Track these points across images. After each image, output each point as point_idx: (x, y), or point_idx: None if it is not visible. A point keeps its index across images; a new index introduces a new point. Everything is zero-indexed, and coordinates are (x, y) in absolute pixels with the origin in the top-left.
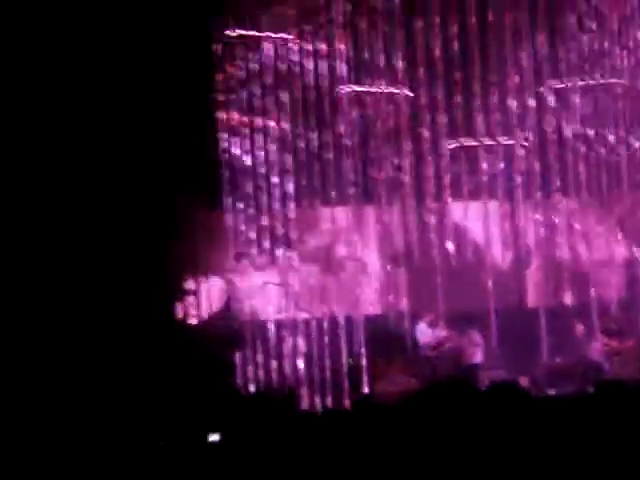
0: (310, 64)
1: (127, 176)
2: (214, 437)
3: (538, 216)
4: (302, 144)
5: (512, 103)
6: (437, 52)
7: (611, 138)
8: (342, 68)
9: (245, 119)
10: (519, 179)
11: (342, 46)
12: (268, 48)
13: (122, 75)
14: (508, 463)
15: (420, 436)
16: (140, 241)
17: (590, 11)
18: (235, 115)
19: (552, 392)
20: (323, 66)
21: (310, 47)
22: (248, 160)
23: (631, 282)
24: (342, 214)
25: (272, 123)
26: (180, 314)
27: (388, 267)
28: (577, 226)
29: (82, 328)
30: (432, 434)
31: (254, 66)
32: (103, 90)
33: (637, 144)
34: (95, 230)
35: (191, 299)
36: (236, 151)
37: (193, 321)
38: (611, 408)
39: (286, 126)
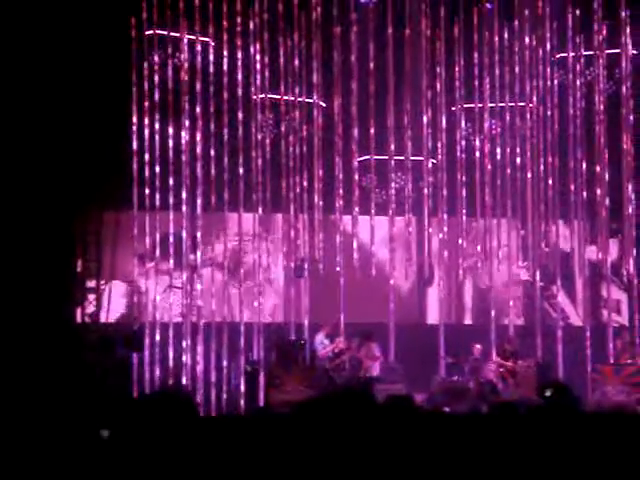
0: (226, 68)
1: (34, 175)
2: (104, 433)
3: (443, 234)
4: (214, 148)
5: (424, 121)
6: (354, 64)
7: (519, 160)
8: (257, 75)
9: (157, 121)
10: (426, 196)
11: (258, 54)
12: (185, 50)
13: (36, 72)
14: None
15: (312, 445)
16: (43, 243)
17: (503, 37)
18: (148, 117)
19: (447, 410)
20: (239, 72)
21: (226, 52)
22: (157, 164)
23: (529, 305)
24: (250, 221)
25: (185, 125)
26: (80, 315)
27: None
28: (480, 246)
29: None
30: (324, 444)
31: (171, 67)
32: (15, 86)
33: (542, 169)
34: None
35: (92, 300)
36: (146, 154)
37: (93, 322)
38: (503, 428)
39: (198, 129)
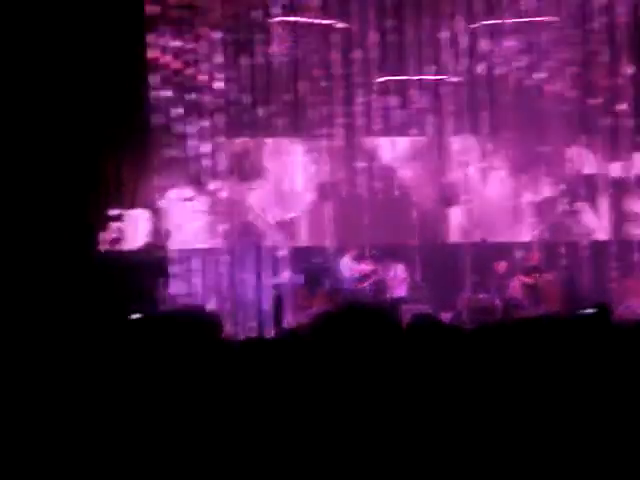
0: None
1: (54, 104)
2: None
3: (466, 154)
4: (232, 73)
5: (444, 39)
6: None
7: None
8: None
9: (174, 44)
10: (447, 117)
11: None
12: None
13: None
14: (429, 398)
15: (338, 365)
16: (65, 169)
17: None
18: (163, 42)
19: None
20: None
21: None
22: (176, 91)
23: (551, 221)
24: (271, 145)
25: (203, 49)
26: (104, 243)
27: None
28: (501, 165)
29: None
30: (349, 363)
31: None
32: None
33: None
34: (17, 159)
35: (115, 228)
36: (165, 84)
37: (117, 249)
38: (530, 342)
39: (216, 55)
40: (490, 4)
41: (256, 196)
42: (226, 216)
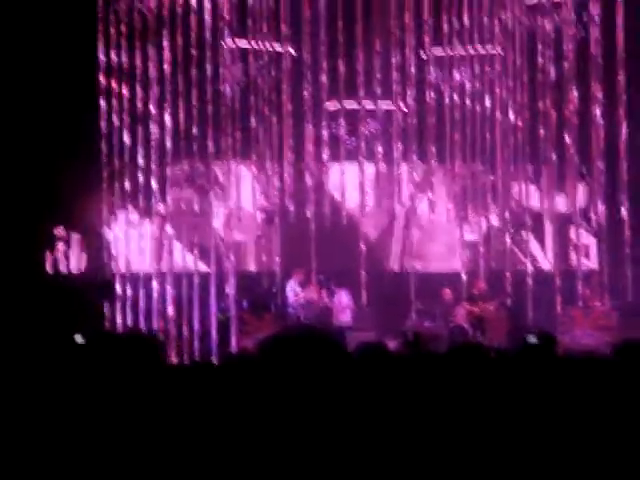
0: (194, 16)
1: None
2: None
3: (414, 180)
4: (182, 97)
5: (395, 68)
6: (322, 11)
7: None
8: (226, 21)
9: (126, 69)
10: (396, 143)
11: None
12: None
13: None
14: (372, 421)
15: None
16: (14, 191)
17: None
18: (116, 65)
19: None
20: (208, 18)
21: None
22: (126, 113)
23: (496, 252)
24: (220, 169)
25: (152, 74)
26: (50, 264)
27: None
28: (447, 193)
29: None
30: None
31: (138, 14)
32: None
33: (512, 116)
34: None
35: (62, 249)
36: (115, 103)
37: (63, 271)
38: (473, 370)
39: (167, 78)
40: (440, 34)
41: (207, 220)
42: (175, 239)
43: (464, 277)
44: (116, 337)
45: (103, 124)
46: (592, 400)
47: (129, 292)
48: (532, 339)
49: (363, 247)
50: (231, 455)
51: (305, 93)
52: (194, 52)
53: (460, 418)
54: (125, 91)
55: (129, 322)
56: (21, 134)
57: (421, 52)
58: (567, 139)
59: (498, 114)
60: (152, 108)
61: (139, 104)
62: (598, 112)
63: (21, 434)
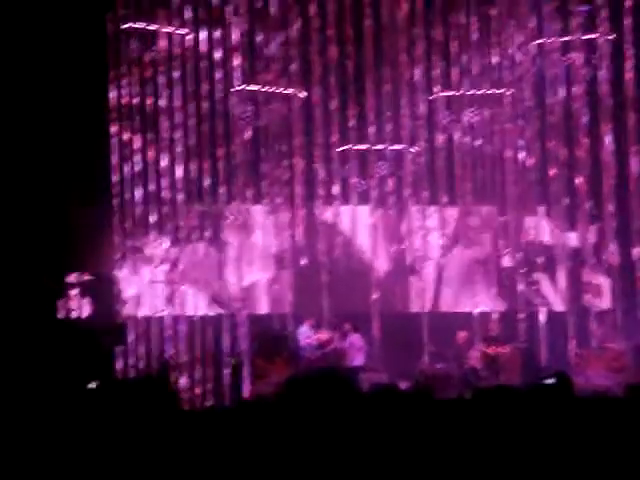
0: (205, 61)
1: (11, 172)
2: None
3: (425, 222)
4: (193, 140)
5: (404, 110)
6: (332, 55)
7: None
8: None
9: (136, 111)
10: (407, 186)
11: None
12: (163, 43)
13: (10, 71)
14: (387, 464)
15: (296, 434)
16: (23, 237)
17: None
18: (126, 111)
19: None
20: (218, 63)
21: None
22: (137, 158)
23: (510, 292)
24: (231, 212)
25: (163, 118)
26: (62, 309)
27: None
28: (461, 234)
29: None
30: (308, 432)
31: (149, 59)
32: None
33: (522, 156)
34: None
35: (74, 294)
36: (125, 150)
37: (75, 316)
38: (487, 414)
39: (178, 121)
40: (448, 76)
41: (216, 263)
42: (187, 284)
43: (477, 318)
44: (129, 384)
45: (114, 171)
46: (606, 439)
47: (141, 336)
48: (549, 380)
49: (375, 289)
50: None
51: (315, 136)
52: (204, 95)
53: (471, 459)
54: (136, 138)
55: (141, 366)
56: (32, 178)
57: (431, 95)
58: (577, 180)
59: (508, 155)
60: (163, 152)
61: (150, 150)
62: (608, 152)
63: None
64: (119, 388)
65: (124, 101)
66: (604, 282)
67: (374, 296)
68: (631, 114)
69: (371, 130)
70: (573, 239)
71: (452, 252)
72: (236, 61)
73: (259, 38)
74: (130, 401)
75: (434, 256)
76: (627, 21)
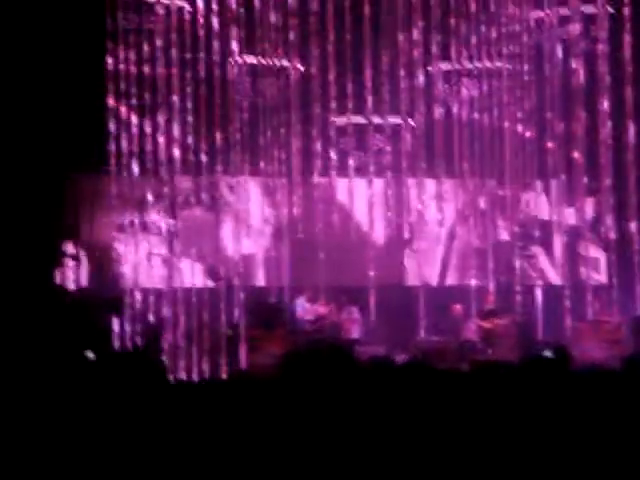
0: (202, 31)
1: (6, 142)
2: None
3: (423, 196)
4: (190, 114)
5: (402, 82)
6: (330, 27)
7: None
8: (234, 38)
9: (134, 86)
10: (405, 158)
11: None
12: (161, 14)
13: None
14: (383, 436)
15: (295, 406)
16: (20, 205)
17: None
18: (124, 82)
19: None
20: (216, 35)
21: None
22: (134, 128)
23: (507, 266)
24: (228, 185)
25: (160, 92)
26: (59, 279)
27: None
28: (460, 208)
29: None
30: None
31: (146, 31)
32: None
33: (520, 129)
34: None
35: (71, 264)
36: (123, 118)
37: (71, 286)
38: (484, 386)
39: (174, 95)
40: (447, 49)
41: (213, 235)
42: (183, 255)
43: (473, 291)
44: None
45: (111, 142)
46: (603, 411)
47: (138, 307)
48: (547, 353)
49: (372, 262)
50: (245, 470)
51: (313, 108)
52: (202, 67)
53: (468, 431)
54: (133, 108)
55: (137, 338)
56: (29, 150)
57: (429, 67)
58: (576, 154)
59: (506, 128)
60: (160, 124)
61: (147, 121)
62: (607, 126)
63: (30, 446)
64: (112, 360)
65: (121, 71)
66: (601, 255)
67: (370, 269)
68: (629, 88)
69: (369, 103)
70: (570, 213)
71: (449, 225)
72: (234, 31)
73: (257, 6)
74: (120, 374)
75: (431, 229)
76: None
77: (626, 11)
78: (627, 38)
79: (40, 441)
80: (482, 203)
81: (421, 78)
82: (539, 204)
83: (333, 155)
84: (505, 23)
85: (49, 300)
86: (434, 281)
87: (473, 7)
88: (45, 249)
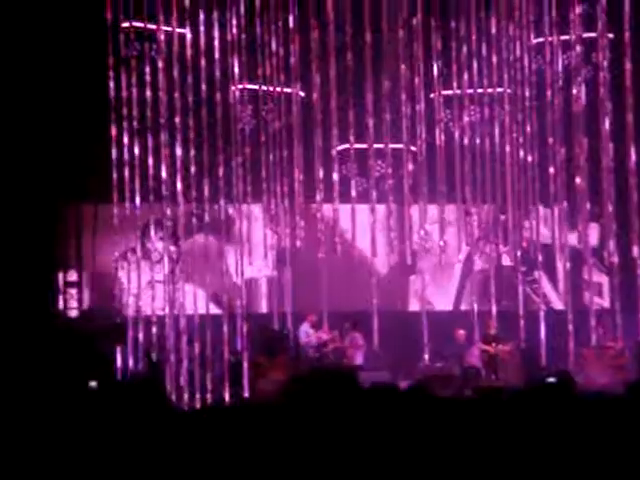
0: (204, 60)
1: (11, 169)
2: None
3: (425, 221)
4: (192, 140)
5: (403, 109)
6: (331, 54)
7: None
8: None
9: (136, 113)
10: (407, 184)
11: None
12: (163, 42)
13: (11, 67)
14: (387, 462)
15: (299, 432)
16: (24, 233)
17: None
18: (126, 110)
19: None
20: (217, 62)
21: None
22: (137, 156)
23: (509, 291)
24: (231, 212)
25: (163, 119)
26: (61, 307)
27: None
28: (461, 233)
29: None
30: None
31: (149, 59)
32: None
33: (522, 154)
34: None
35: (73, 292)
36: (126, 147)
37: (74, 313)
38: (488, 412)
39: (177, 121)
40: (448, 75)
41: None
42: (187, 282)
43: (477, 316)
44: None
45: (114, 169)
46: (608, 438)
47: (140, 335)
48: (551, 379)
49: (375, 288)
50: None
51: (315, 134)
52: (204, 94)
53: (472, 458)
54: (135, 135)
55: (140, 366)
56: (31, 178)
57: (431, 94)
58: (578, 179)
59: (508, 153)
60: (162, 152)
61: (149, 148)
62: (609, 151)
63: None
64: (115, 389)
65: (123, 98)
66: (604, 281)
67: (374, 295)
68: (630, 114)
69: (370, 129)
70: (573, 238)
71: (452, 251)
72: (235, 58)
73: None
74: (124, 403)
75: (434, 255)
76: (627, 20)
77: (626, 36)
78: (628, 63)
79: (42, 471)
80: (484, 228)
81: (422, 104)
82: (541, 228)
83: (335, 181)
84: (506, 48)
85: (51, 329)
86: (438, 306)
87: (474, 33)
88: (47, 277)
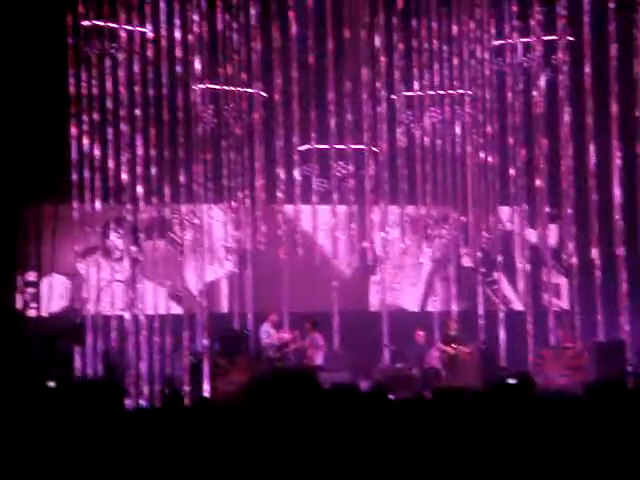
0: (166, 59)
1: None
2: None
3: (386, 222)
4: (154, 140)
5: (365, 109)
6: (293, 54)
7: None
8: (197, 64)
9: (96, 114)
10: (368, 185)
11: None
12: (124, 40)
13: None
14: (347, 462)
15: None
16: None
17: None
18: (86, 109)
19: (391, 397)
20: (178, 61)
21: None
22: (97, 155)
23: (469, 292)
24: (191, 212)
25: (124, 119)
26: (20, 306)
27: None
28: (422, 233)
29: None
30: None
31: (109, 58)
32: None
33: (482, 155)
34: None
35: (32, 292)
36: (85, 146)
37: (32, 313)
38: (448, 413)
39: (139, 121)
40: (409, 76)
41: (176, 262)
42: (147, 282)
43: (437, 317)
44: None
45: (74, 168)
46: (566, 437)
47: (99, 334)
48: (510, 380)
49: (336, 288)
50: None
51: (276, 135)
52: (164, 93)
53: (431, 457)
54: (95, 135)
55: (99, 366)
56: None
57: (392, 95)
58: (537, 181)
59: (469, 155)
60: (122, 152)
61: (110, 147)
62: (567, 153)
63: None
64: (72, 388)
65: (83, 97)
66: (563, 282)
67: (334, 295)
68: (589, 116)
69: (332, 129)
70: (532, 239)
71: (412, 251)
72: (196, 58)
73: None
74: (81, 403)
75: (394, 255)
76: (586, 23)
77: (585, 39)
78: (587, 65)
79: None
80: (444, 229)
81: (384, 105)
82: (501, 230)
83: (297, 181)
84: (467, 50)
85: (9, 328)
86: (396, 306)
87: (435, 34)
88: (6, 278)
